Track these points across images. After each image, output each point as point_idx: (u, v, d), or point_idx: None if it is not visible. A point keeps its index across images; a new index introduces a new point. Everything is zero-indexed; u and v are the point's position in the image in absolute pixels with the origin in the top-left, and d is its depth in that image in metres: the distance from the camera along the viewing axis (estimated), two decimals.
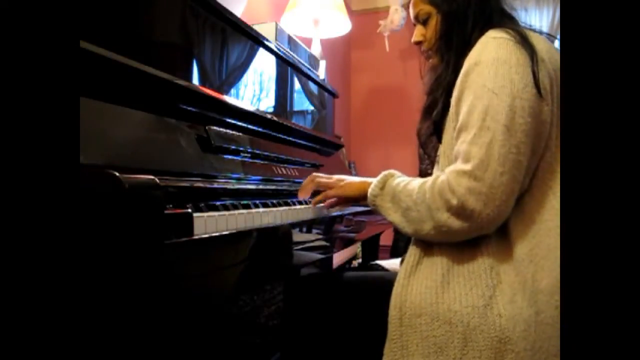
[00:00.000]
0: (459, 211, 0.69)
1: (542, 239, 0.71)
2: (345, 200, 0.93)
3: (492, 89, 0.70)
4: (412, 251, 0.80)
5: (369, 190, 0.84)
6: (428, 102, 0.87)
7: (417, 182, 0.78)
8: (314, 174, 0.97)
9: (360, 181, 0.91)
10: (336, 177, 0.94)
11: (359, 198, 0.89)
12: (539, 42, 0.74)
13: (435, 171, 0.84)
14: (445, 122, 0.80)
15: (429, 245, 0.78)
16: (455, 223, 0.70)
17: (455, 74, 0.78)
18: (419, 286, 0.75)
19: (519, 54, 0.71)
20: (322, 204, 0.96)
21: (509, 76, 0.69)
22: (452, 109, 0.77)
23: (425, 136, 0.88)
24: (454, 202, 0.69)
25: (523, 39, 0.72)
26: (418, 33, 0.90)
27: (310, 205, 0.96)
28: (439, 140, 0.83)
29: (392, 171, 0.84)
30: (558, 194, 0.72)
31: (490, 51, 0.72)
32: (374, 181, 0.84)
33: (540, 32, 0.81)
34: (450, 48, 0.82)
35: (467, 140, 0.70)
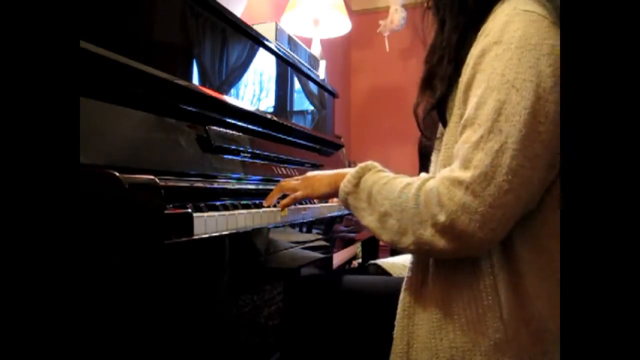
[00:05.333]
0: (447, 230, 0.57)
1: (554, 273, 0.62)
2: (319, 198, 0.84)
3: (512, 81, 0.55)
4: (411, 273, 0.72)
5: (341, 186, 0.70)
6: (425, 73, 0.72)
7: (399, 182, 0.64)
8: (281, 181, 0.88)
9: (332, 174, 0.77)
10: (303, 176, 0.83)
11: (333, 194, 0.76)
12: None
13: (434, 161, 0.72)
14: (450, 99, 0.67)
15: (427, 267, 0.69)
16: (439, 242, 0.58)
17: (454, 36, 0.66)
18: (422, 315, 0.68)
19: (555, 39, 0.56)
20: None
21: (537, 67, 0.55)
22: (459, 93, 0.64)
23: (424, 113, 0.72)
24: (442, 218, 0.56)
25: None
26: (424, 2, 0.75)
27: (311, 206, 0.96)
28: (443, 123, 0.69)
29: (370, 163, 0.70)
30: None
31: (517, 29, 0.57)
32: (347, 174, 0.70)
33: None
34: (444, 3, 0.68)
35: (472, 141, 0.57)
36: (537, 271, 0.62)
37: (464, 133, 0.60)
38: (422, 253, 0.63)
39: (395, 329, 0.72)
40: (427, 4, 0.73)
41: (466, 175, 0.56)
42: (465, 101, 0.62)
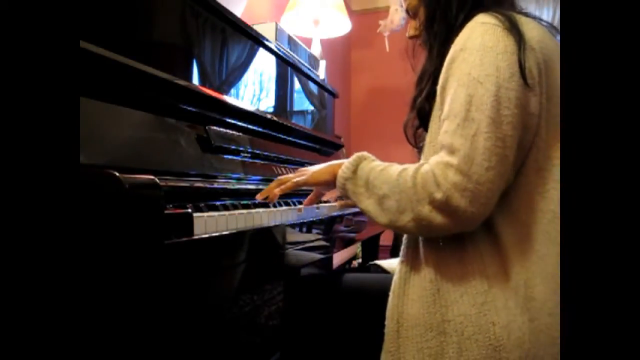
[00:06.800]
0: (443, 207, 0.64)
1: (533, 244, 0.68)
2: (318, 186, 0.86)
3: (477, 77, 0.66)
4: (404, 258, 0.78)
5: (339, 172, 0.77)
6: (415, 93, 0.82)
7: (395, 168, 0.72)
8: (278, 177, 0.90)
9: (329, 164, 0.83)
10: (300, 169, 0.88)
11: (331, 182, 0.81)
12: (531, 30, 0.70)
13: (421, 160, 0.78)
14: (431, 110, 0.76)
15: (418, 248, 0.75)
16: (437, 218, 0.65)
17: (441, 61, 0.74)
18: (413, 295, 0.73)
19: (507, 40, 0.67)
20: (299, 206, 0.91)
21: (495, 64, 0.66)
22: (437, 98, 0.73)
23: (412, 129, 0.83)
24: (439, 196, 0.64)
25: (512, 25, 0.68)
26: (411, 27, 0.88)
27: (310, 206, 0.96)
28: (425, 129, 0.78)
29: (365, 153, 0.78)
30: (545, 195, 0.69)
31: (477, 37, 0.68)
32: (345, 162, 0.78)
33: (539, 19, 0.75)
34: (434, 35, 0.79)
35: (450, 130, 0.66)
36: (517, 244, 0.69)
37: (442, 126, 0.69)
38: (420, 229, 0.68)
39: (387, 309, 0.76)
40: (414, 30, 0.87)
41: (453, 158, 0.65)
42: (441, 102, 0.71)
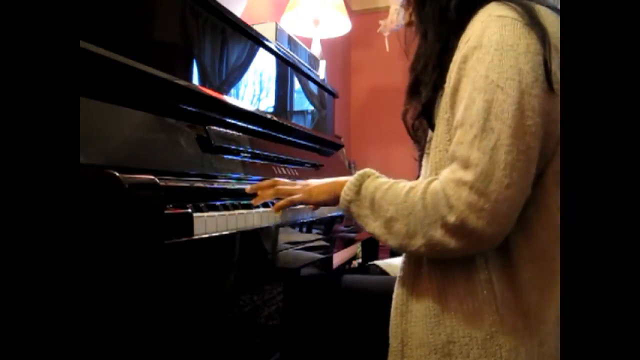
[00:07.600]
0: (457, 230, 0.58)
1: (548, 263, 0.63)
2: (316, 205, 0.82)
3: (497, 81, 0.58)
4: (404, 272, 0.73)
5: (342, 194, 0.71)
6: (411, 80, 0.75)
7: (402, 185, 0.65)
8: (275, 179, 0.87)
9: (330, 182, 0.78)
10: (301, 182, 0.83)
11: (331, 202, 0.76)
12: (551, 24, 0.62)
13: (425, 164, 0.73)
14: (435, 104, 0.69)
15: (421, 264, 0.70)
16: (451, 242, 0.59)
17: (441, 47, 0.68)
18: (417, 312, 0.68)
19: (529, 38, 0.59)
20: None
21: (517, 66, 0.58)
22: (445, 98, 0.65)
23: (412, 119, 0.76)
24: (452, 219, 0.57)
25: (533, 20, 0.60)
26: (407, 14, 0.82)
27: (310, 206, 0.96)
28: (431, 127, 0.71)
29: (368, 170, 0.71)
30: None
31: (494, 33, 0.60)
32: (347, 182, 0.71)
33: (556, 9, 0.67)
34: (426, 16, 0.71)
35: (466, 141, 0.59)
36: (531, 262, 0.63)
37: (455, 135, 0.61)
38: (434, 254, 0.63)
39: (390, 327, 0.73)
40: (409, 16, 0.79)
41: (468, 174, 0.58)
42: (452, 106, 0.64)
